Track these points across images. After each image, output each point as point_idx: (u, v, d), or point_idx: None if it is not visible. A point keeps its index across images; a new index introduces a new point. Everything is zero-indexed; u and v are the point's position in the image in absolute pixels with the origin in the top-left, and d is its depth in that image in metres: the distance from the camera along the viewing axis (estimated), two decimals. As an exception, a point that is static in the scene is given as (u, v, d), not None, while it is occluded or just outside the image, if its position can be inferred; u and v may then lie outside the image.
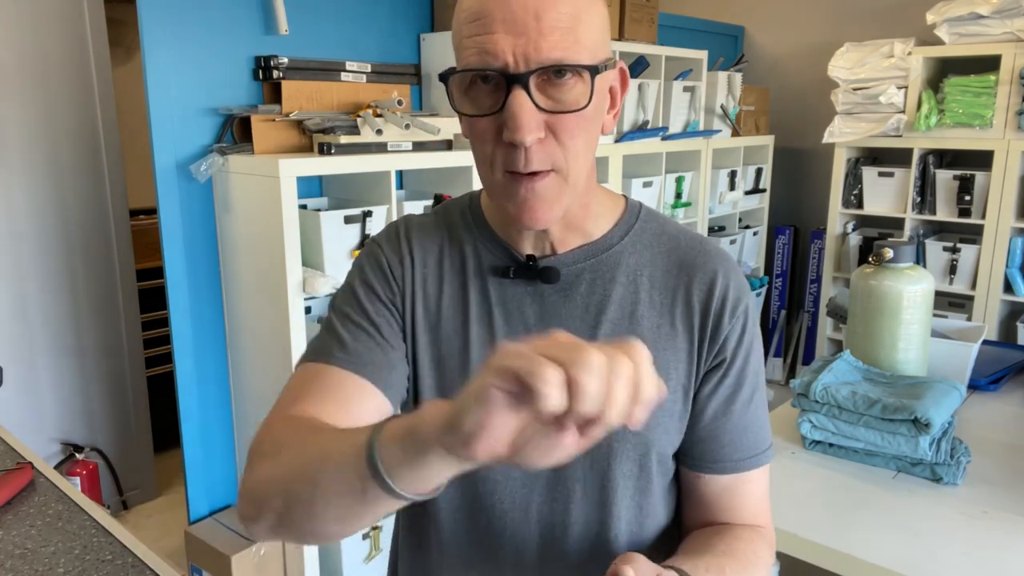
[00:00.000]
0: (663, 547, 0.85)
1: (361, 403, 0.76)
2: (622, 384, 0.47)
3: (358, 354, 0.78)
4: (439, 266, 0.85)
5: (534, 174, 0.71)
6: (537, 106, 0.68)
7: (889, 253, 1.57)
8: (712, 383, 0.81)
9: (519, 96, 0.67)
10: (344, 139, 2.11)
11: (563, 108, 0.69)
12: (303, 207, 2.25)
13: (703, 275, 0.81)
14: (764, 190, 3.91)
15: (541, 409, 0.46)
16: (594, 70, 0.70)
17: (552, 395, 0.46)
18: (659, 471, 0.83)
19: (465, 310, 0.82)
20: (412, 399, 0.85)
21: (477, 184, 2.30)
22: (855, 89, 3.31)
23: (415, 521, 0.89)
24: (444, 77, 0.72)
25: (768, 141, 3.87)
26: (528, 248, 0.82)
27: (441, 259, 0.85)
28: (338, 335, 0.80)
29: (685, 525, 0.88)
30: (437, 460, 0.53)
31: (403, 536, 0.92)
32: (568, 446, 0.50)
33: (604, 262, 0.82)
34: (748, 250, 3.84)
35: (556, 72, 0.68)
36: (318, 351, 0.80)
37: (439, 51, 2.56)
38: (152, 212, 2.28)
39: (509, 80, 0.67)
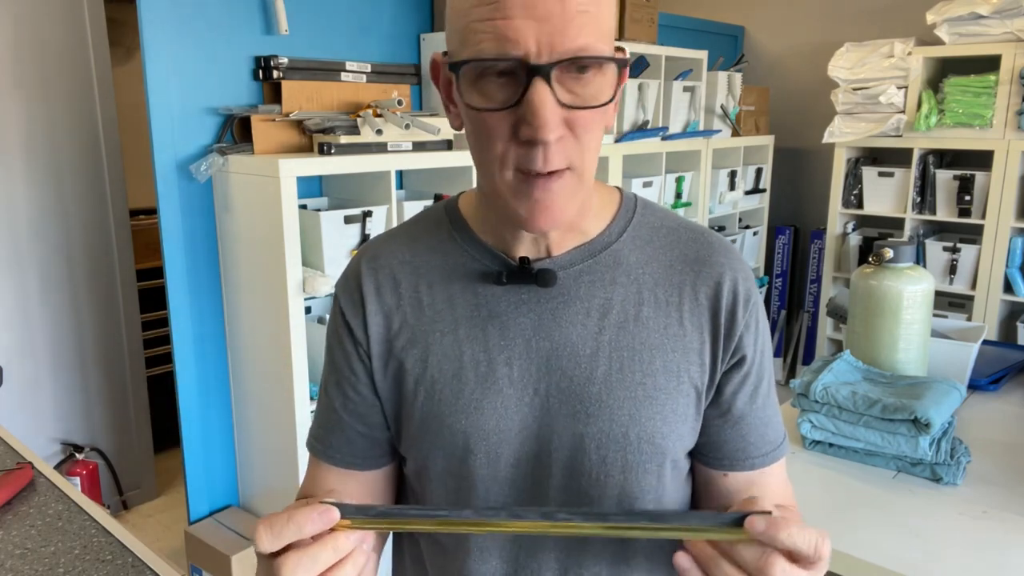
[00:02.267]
0: (675, 546, 0.83)
1: (367, 484, 0.85)
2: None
3: (332, 447, 0.84)
4: (415, 288, 0.79)
5: (551, 173, 0.65)
6: (559, 101, 0.62)
7: (889, 253, 1.57)
8: (735, 381, 0.78)
9: (541, 90, 0.61)
10: (344, 139, 2.11)
11: (585, 104, 0.64)
12: (303, 207, 2.25)
13: (709, 270, 0.77)
14: (764, 190, 3.92)
15: None
16: (621, 63, 0.65)
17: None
18: (673, 475, 0.79)
19: (455, 328, 0.77)
20: (396, 432, 0.82)
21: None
22: (855, 89, 3.31)
23: (418, 548, 0.86)
24: (455, 67, 0.65)
25: (768, 141, 3.87)
26: (522, 252, 0.76)
27: (417, 279, 0.79)
28: (324, 428, 0.85)
29: None
30: None
31: (410, 566, 0.89)
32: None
33: (602, 261, 0.77)
34: (748, 250, 3.84)
35: (579, 68, 0.62)
36: (311, 437, 0.87)
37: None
38: (152, 212, 2.28)
39: (530, 72, 0.61)
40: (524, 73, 0.61)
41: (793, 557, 0.58)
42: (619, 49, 0.68)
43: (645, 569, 0.79)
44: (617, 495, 0.76)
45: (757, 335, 0.78)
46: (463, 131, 0.71)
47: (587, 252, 0.77)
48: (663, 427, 0.75)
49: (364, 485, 0.84)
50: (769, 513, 0.58)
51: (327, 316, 2.27)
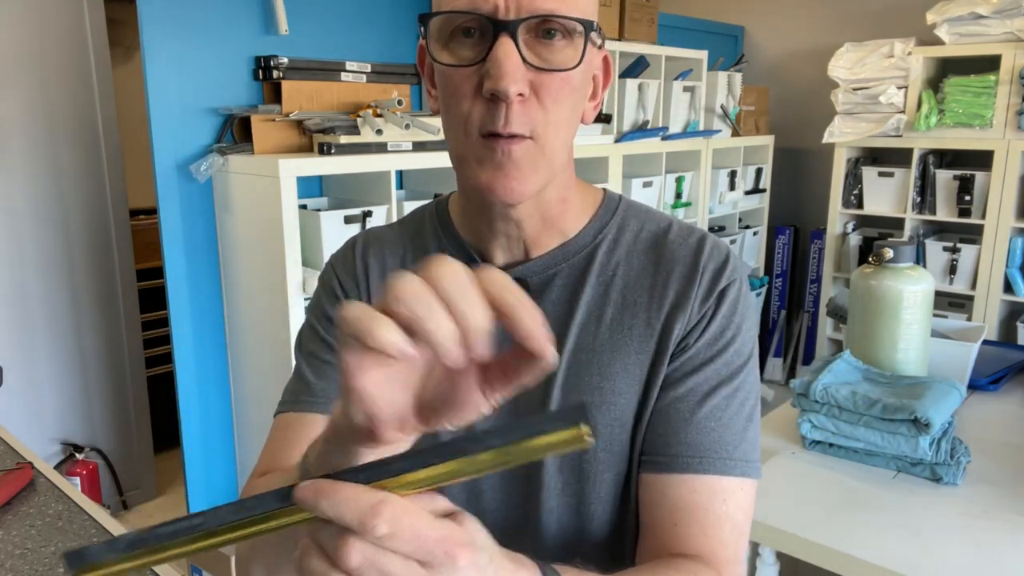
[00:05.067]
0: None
1: None
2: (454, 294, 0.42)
3: (325, 392, 0.77)
4: None
5: (511, 138, 0.64)
6: (524, 60, 0.63)
7: (889, 253, 1.57)
8: (673, 367, 0.72)
9: (505, 44, 0.61)
10: (344, 139, 2.11)
11: (550, 66, 0.64)
12: (303, 207, 2.24)
13: (682, 268, 0.74)
14: (764, 190, 3.92)
15: (386, 350, 0.41)
16: (588, 25, 0.64)
17: (382, 336, 0.41)
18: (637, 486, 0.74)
19: None
20: None
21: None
22: (855, 89, 3.31)
23: None
24: (424, 19, 0.66)
25: (768, 141, 3.87)
26: (499, 252, 0.75)
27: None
28: (304, 377, 0.79)
29: (636, 561, 0.72)
30: (354, 459, 0.48)
31: None
32: (466, 385, 0.44)
33: (576, 264, 0.75)
34: (748, 250, 3.84)
35: (546, 32, 0.63)
36: (288, 399, 0.79)
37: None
38: (152, 212, 2.28)
39: (496, 27, 0.62)
40: (491, 29, 0.62)
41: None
42: (598, 37, 0.67)
43: None
44: (576, 505, 0.73)
45: (708, 327, 0.72)
46: (440, 112, 0.71)
47: (562, 255, 0.75)
48: (621, 434, 0.72)
49: None
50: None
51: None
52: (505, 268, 0.74)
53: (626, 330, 0.73)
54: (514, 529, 0.74)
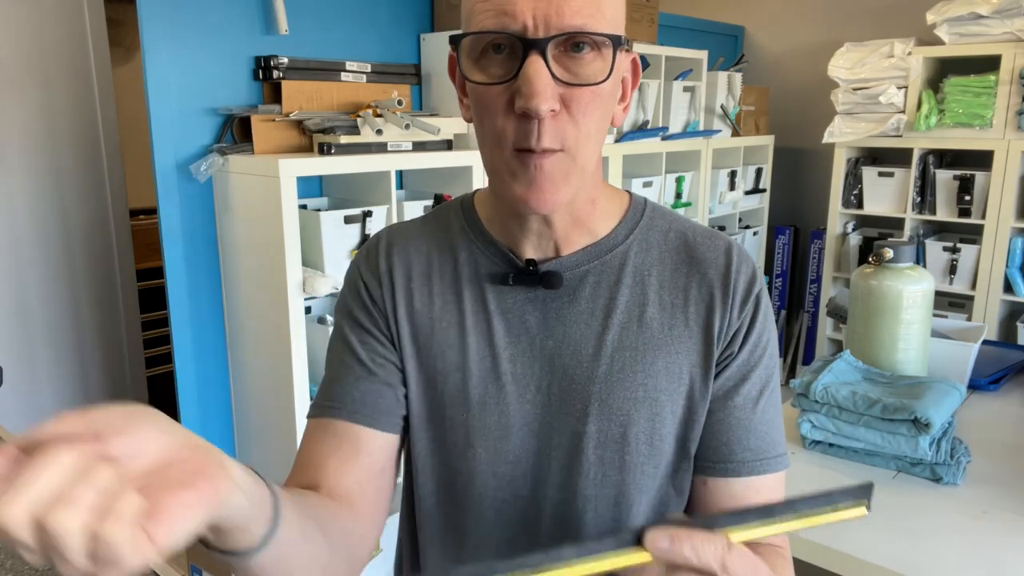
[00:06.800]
0: None
1: (363, 452, 0.78)
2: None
3: (354, 403, 0.78)
4: (427, 277, 0.81)
5: (543, 152, 0.66)
6: (554, 76, 0.64)
7: (889, 253, 1.57)
8: (723, 378, 0.77)
9: (535, 62, 0.63)
10: (344, 139, 2.11)
11: (580, 81, 0.65)
12: (303, 207, 2.25)
13: (715, 271, 0.77)
14: (764, 190, 3.91)
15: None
16: (616, 40, 0.65)
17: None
18: (675, 479, 0.79)
19: (461, 321, 0.78)
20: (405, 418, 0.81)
21: (477, 184, 2.31)
22: (855, 89, 3.31)
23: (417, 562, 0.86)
24: (455, 40, 0.68)
25: (768, 141, 3.87)
26: (530, 250, 0.77)
27: (429, 270, 0.81)
28: (334, 385, 0.80)
29: None
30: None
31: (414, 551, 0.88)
32: None
33: (609, 263, 0.78)
34: (748, 250, 3.83)
35: (575, 46, 0.64)
36: (317, 402, 0.81)
37: (439, 51, 2.55)
38: (152, 212, 2.28)
39: (526, 46, 0.63)
40: (521, 47, 0.64)
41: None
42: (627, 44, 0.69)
43: None
44: (615, 496, 0.76)
45: (749, 336, 0.77)
46: (473, 123, 0.72)
47: (593, 253, 0.78)
48: (662, 428, 0.75)
49: (383, 448, 0.79)
50: (667, 524, 0.51)
51: (327, 316, 2.27)
52: (538, 263, 0.77)
53: (667, 329, 0.76)
54: (550, 517, 0.77)
